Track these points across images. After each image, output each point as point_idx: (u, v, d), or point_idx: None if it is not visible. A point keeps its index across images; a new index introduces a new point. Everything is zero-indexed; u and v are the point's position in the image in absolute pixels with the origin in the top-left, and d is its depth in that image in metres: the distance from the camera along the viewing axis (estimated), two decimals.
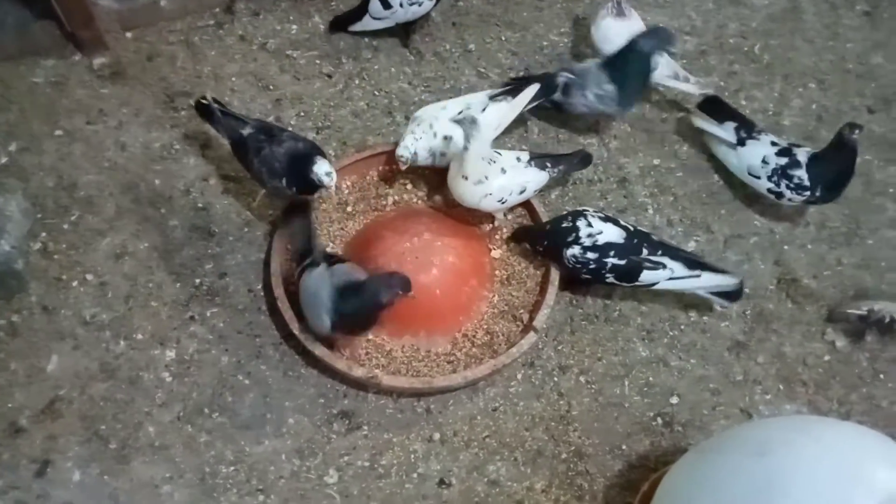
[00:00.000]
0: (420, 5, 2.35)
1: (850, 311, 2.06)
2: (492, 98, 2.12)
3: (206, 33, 2.51)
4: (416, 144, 2.00)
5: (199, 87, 2.37)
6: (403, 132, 2.06)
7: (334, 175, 1.82)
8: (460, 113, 1.93)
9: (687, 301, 2.08)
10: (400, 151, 2.00)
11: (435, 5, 2.41)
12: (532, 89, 2.13)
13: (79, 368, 1.87)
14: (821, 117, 2.49)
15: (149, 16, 2.49)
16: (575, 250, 1.90)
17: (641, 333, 2.05)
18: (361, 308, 1.72)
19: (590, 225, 1.92)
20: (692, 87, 2.35)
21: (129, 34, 2.47)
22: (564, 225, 1.93)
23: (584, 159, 2.18)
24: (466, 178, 1.91)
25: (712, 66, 2.57)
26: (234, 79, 2.41)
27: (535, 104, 2.17)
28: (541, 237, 1.99)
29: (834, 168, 2.08)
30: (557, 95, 2.22)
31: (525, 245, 2.06)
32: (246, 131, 1.93)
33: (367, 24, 2.43)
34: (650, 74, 2.18)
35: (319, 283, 1.72)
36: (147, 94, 2.34)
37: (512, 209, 2.14)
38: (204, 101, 2.00)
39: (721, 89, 2.50)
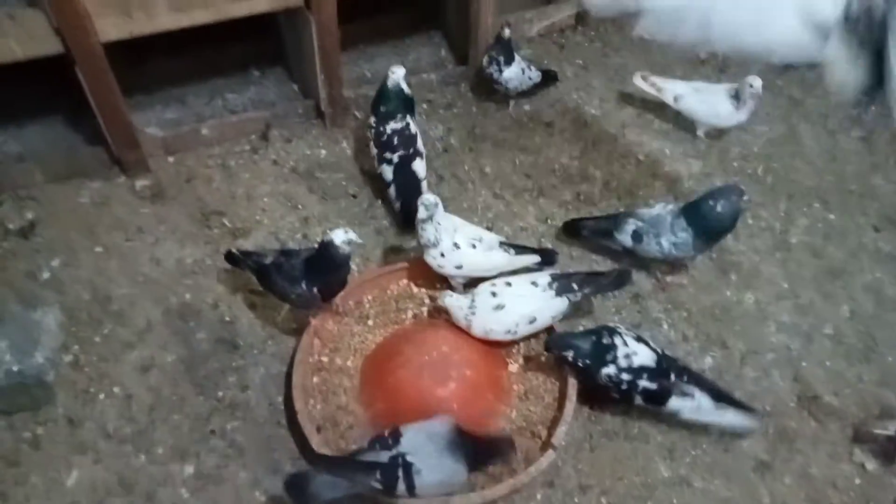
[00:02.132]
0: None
1: (876, 431, 2.02)
2: (501, 244, 2.20)
3: (242, 157, 2.70)
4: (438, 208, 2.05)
5: (232, 206, 2.52)
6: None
7: (355, 237, 1.95)
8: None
9: None
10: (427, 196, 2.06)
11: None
12: (531, 258, 2.22)
13: (97, 483, 1.87)
14: (828, 235, 2.56)
15: (190, 141, 2.71)
16: (611, 370, 1.89)
17: (663, 452, 2.01)
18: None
19: (626, 344, 1.91)
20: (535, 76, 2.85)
21: (170, 158, 2.68)
22: (605, 341, 1.91)
23: (621, 278, 2.16)
24: (471, 325, 2.05)
25: None
26: (265, 199, 2.56)
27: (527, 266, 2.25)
28: (583, 352, 1.91)
29: None
30: (627, 242, 2.30)
31: (564, 354, 1.94)
32: (267, 261, 2.06)
33: (425, 187, 2.49)
34: (731, 228, 2.26)
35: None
36: (183, 212, 2.50)
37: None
38: (233, 253, 2.16)
39: None
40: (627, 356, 1.90)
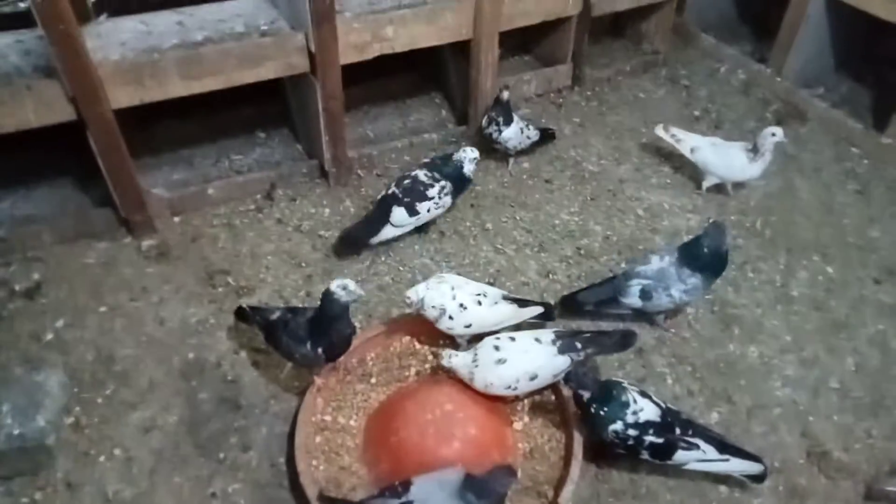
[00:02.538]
0: (444, 207, 2.63)
1: (889, 488, 1.99)
2: (504, 297, 2.22)
3: (247, 216, 2.75)
4: (426, 293, 2.11)
5: (237, 265, 2.55)
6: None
7: (351, 284, 1.95)
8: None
9: (714, 475, 2.03)
10: (409, 294, 2.14)
11: (454, 202, 2.69)
12: (535, 310, 2.23)
13: None
14: (829, 288, 2.57)
15: (196, 202, 2.76)
16: (618, 426, 1.87)
17: None
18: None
19: (634, 401, 1.89)
20: (534, 135, 2.92)
21: (176, 218, 2.72)
22: (623, 398, 1.88)
23: (625, 339, 2.12)
24: (473, 379, 2.04)
25: None
26: (269, 257, 2.60)
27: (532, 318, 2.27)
28: (601, 400, 1.89)
29: None
30: (636, 303, 2.30)
31: (581, 393, 1.91)
32: (274, 317, 2.08)
33: (387, 233, 2.55)
34: (727, 260, 2.29)
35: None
36: (188, 272, 2.53)
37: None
38: (243, 308, 2.21)
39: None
40: (635, 413, 1.88)
